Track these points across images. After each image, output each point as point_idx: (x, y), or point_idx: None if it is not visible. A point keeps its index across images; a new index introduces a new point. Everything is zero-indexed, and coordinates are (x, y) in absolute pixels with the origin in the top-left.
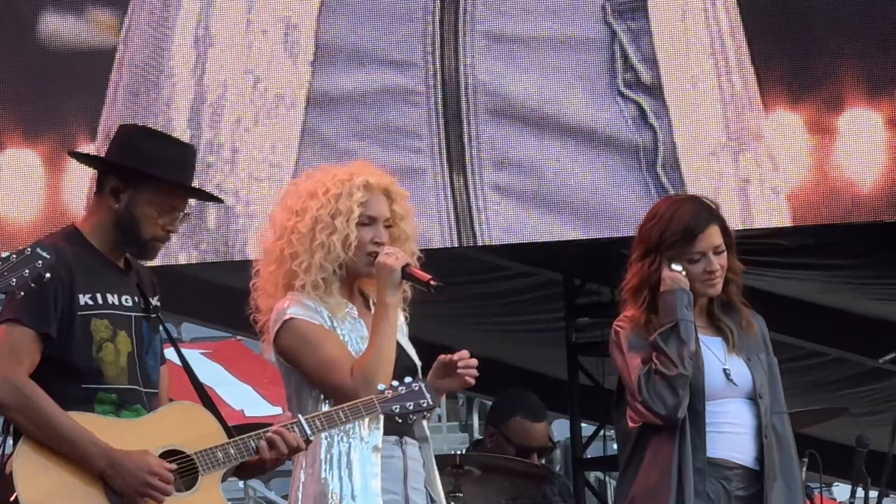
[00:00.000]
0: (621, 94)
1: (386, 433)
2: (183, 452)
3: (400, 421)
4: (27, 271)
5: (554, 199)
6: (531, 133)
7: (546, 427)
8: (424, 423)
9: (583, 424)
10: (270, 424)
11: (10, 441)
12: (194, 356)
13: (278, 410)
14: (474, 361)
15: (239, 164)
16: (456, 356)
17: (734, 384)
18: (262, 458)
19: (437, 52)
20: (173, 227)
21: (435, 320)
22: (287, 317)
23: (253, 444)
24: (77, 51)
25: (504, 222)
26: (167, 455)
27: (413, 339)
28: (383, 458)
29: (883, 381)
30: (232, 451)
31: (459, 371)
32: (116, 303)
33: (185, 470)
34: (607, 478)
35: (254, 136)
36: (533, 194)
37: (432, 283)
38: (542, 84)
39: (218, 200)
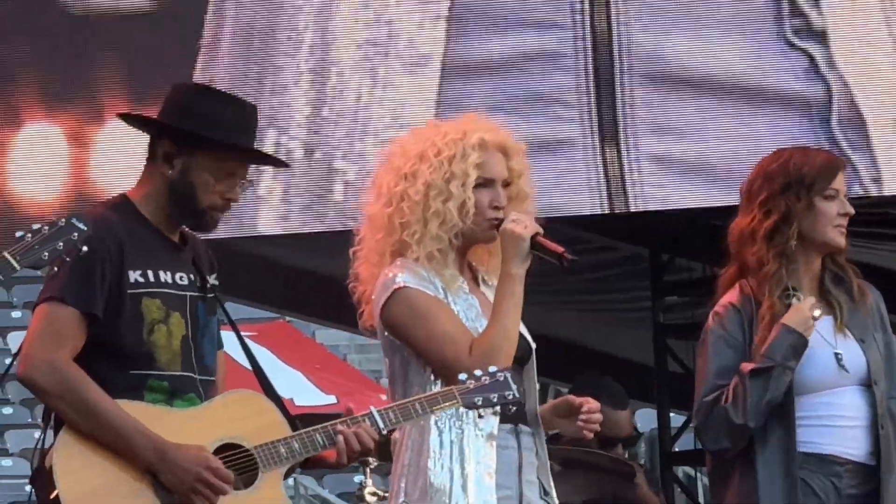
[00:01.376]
0: (789, 44)
1: (501, 422)
2: (241, 446)
3: (513, 409)
4: (61, 244)
5: (715, 165)
6: (690, 95)
7: (629, 415)
8: (538, 410)
9: (671, 415)
10: (325, 415)
11: (50, 432)
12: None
13: (331, 399)
14: (599, 417)
15: (368, 130)
16: (585, 406)
17: (846, 371)
18: (330, 454)
19: (587, 12)
20: (233, 196)
21: None
22: (398, 285)
23: (320, 439)
24: (106, 15)
25: (659, 190)
26: (224, 449)
27: None
28: (498, 448)
29: None
30: (296, 446)
31: (580, 420)
32: (170, 281)
33: (244, 466)
34: (698, 473)
35: (383, 103)
36: (692, 160)
37: (566, 255)
38: (700, 39)
39: (283, 164)
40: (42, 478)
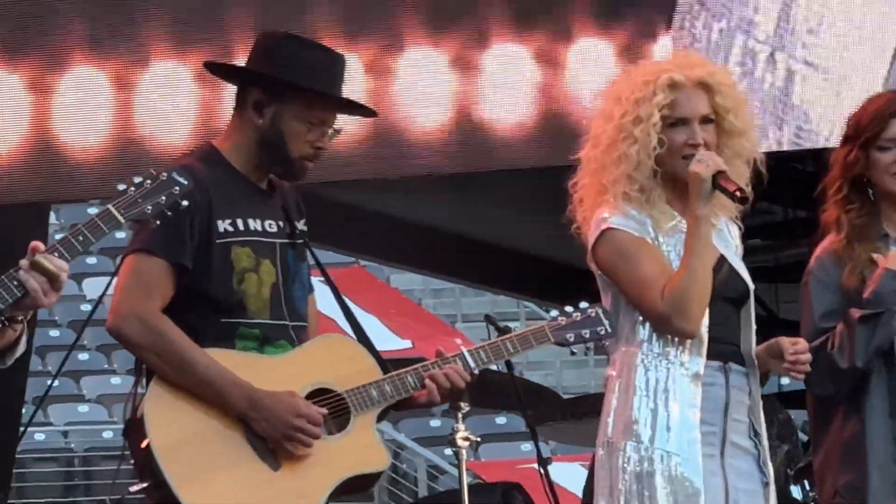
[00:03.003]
0: None
1: (709, 357)
2: (333, 391)
3: (727, 345)
4: (163, 198)
5: None
6: None
7: None
8: (754, 345)
9: None
10: (401, 360)
11: (143, 382)
12: (317, 285)
13: (407, 344)
14: (807, 357)
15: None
16: (791, 348)
17: None
18: (422, 394)
19: None
20: (323, 144)
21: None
22: (606, 226)
23: (412, 381)
24: None
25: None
26: (316, 394)
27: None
28: (704, 385)
29: None
30: (388, 389)
31: (787, 363)
32: (259, 229)
33: (337, 410)
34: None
35: None
36: None
37: (737, 193)
38: None
39: (372, 114)
40: (134, 428)
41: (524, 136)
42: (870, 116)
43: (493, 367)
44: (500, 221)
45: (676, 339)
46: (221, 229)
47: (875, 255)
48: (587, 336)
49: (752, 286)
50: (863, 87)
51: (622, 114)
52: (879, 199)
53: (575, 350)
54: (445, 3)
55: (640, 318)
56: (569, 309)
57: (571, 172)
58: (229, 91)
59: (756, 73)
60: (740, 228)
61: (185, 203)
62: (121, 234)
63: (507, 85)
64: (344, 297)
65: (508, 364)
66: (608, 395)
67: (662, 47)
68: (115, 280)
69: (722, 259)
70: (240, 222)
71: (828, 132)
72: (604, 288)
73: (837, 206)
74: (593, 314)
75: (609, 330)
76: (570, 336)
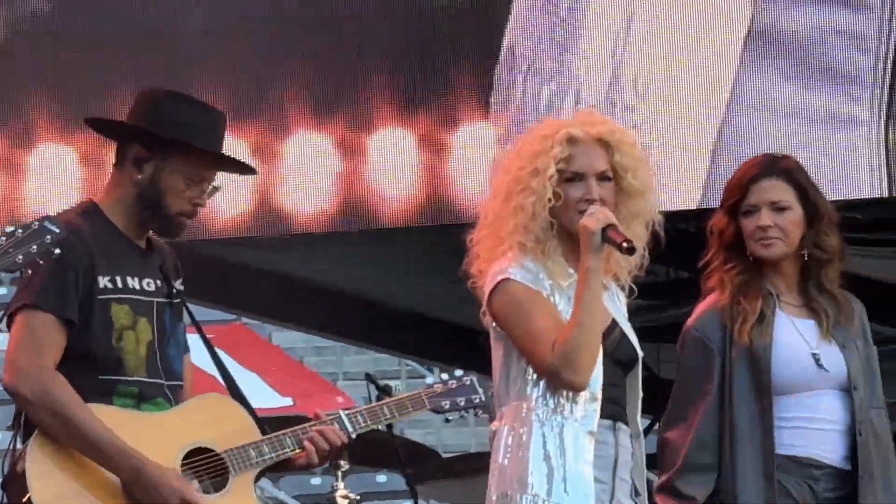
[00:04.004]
0: None
1: (601, 416)
2: (212, 450)
3: (617, 406)
4: (34, 247)
5: None
6: None
7: None
8: (639, 417)
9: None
10: (282, 418)
11: (21, 436)
12: (195, 342)
13: (288, 401)
14: None
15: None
16: None
17: (825, 370)
18: (300, 456)
19: None
20: (201, 201)
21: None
22: (503, 277)
23: (290, 442)
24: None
25: None
26: (195, 453)
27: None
28: (597, 443)
29: None
30: (266, 450)
31: None
32: (138, 287)
33: (215, 470)
34: None
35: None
36: None
37: (624, 244)
38: None
39: (251, 171)
40: (14, 482)
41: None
42: (735, 183)
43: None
44: (380, 280)
45: (571, 394)
46: (102, 285)
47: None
48: (462, 404)
49: (640, 353)
50: (697, 146)
51: (520, 167)
52: (758, 261)
53: (450, 417)
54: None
55: (531, 370)
56: (445, 376)
57: (450, 232)
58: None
59: None
60: (628, 294)
61: (57, 251)
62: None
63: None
64: (221, 355)
65: (388, 423)
66: (498, 449)
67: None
68: (5, 336)
69: (614, 322)
70: (119, 279)
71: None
72: (497, 340)
73: (719, 270)
74: (468, 382)
75: (483, 399)
76: (446, 403)
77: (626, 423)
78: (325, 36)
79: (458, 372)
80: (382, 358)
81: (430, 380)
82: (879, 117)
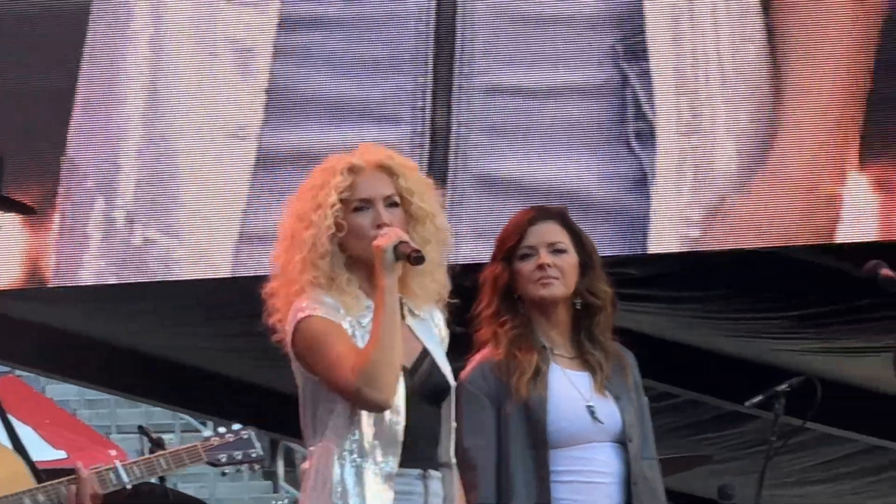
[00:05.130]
0: (629, 149)
1: (409, 465)
2: None
3: (428, 448)
4: None
5: None
6: (522, 201)
7: None
8: (452, 444)
9: None
10: (55, 470)
11: None
12: None
13: (61, 454)
14: None
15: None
16: None
17: (600, 423)
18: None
19: (428, 108)
20: None
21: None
22: (302, 315)
23: (65, 491)
24: None
25: None
26: None
27: None
28: (403, 493)
29: (742, 426)
30: (41, 499)
31: None
32: None
33: None
34: None
35: (200, 169)
36: None
37: (413, 255)
38: (534, 148)
39: (31, 211)
40: None
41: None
42: (510, 229)
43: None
44: (154, 332)
45: (372, 436)
46: None
47: None
48: (239, 458)
49: (452, 383)
50: None
51: (301, 205)
52: (530, 312)
53: (226, 471)
54: None
55: (340, 410)
56: (222, 430)
57: (226, 285)
58: None
59: None
60: (446, 320)
61: None
62: None
63: None
64: None
65: (161, 477)
66: (305, 490)
67: None
68: None
69: (424, 354)
70: None
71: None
72: (303, 381)
73: (491, 323)
74: (246, 436)
75: (260, 453)
76: (223, 456)
77: (438, 468)
78: None
79: (237, 426)
80: (156, 411)
81: (206, 433)
82: None
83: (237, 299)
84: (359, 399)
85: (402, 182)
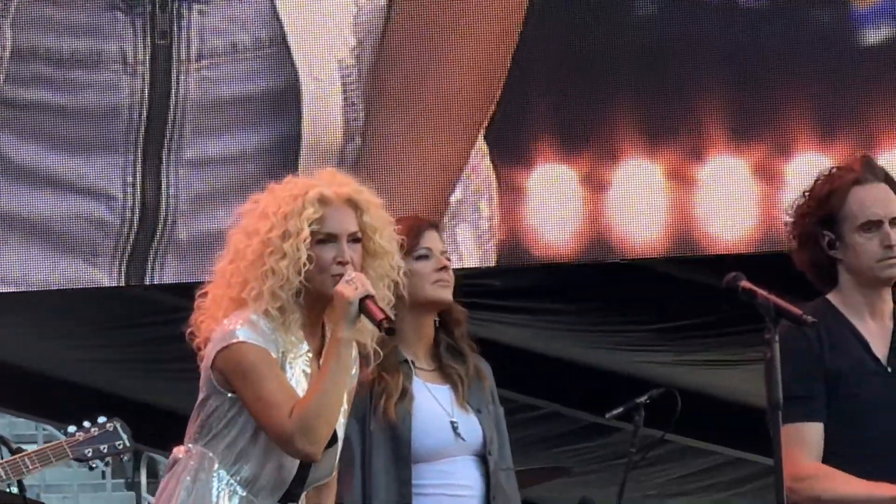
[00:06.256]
0: None
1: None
2: None
3: (296, 486)
4: None
5: None
6: None
7: None
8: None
9: None
10: None
11: None
12: None
13: None
14: None
15: None
16: None
17: (462, 440)
18: None
19: (139, 184)
20: None
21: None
22: (236, 339)
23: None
24: None
25: None
26: None
27: None
28: None
29: (602, 438)
30: None
31: None
32: None
33: None
34: None
35: None
36: None
37: (384, 324)
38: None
39: None
40: None
41: None
42: (404, 232)
43: (8, 490)
44: (17, 343)
45: (260, 472)
46: None
47: None
48: (105, 451)
49: (341, 435)
50: None
51: (269, 228)
52: (402, 321)
53: (94, 465)
54: None
55: (233, 436)
56: (87, 424)
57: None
58: None
59: None
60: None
61: None
62: None
63: None
64: None
65: (20, 486)
66: (176, 479)
67: None
68: None
69: None
70: None
71: None
72: (213, 393)
73: None
74: (111, 428)
75: (127, 444)
76: (89, 451)
77: (294, 502)
78: None
79: (102, 418)
80: (19, 422)
81: (72, 428)
82: None
83: (97, 309)
84: (289, 445)
85: (366, 218)
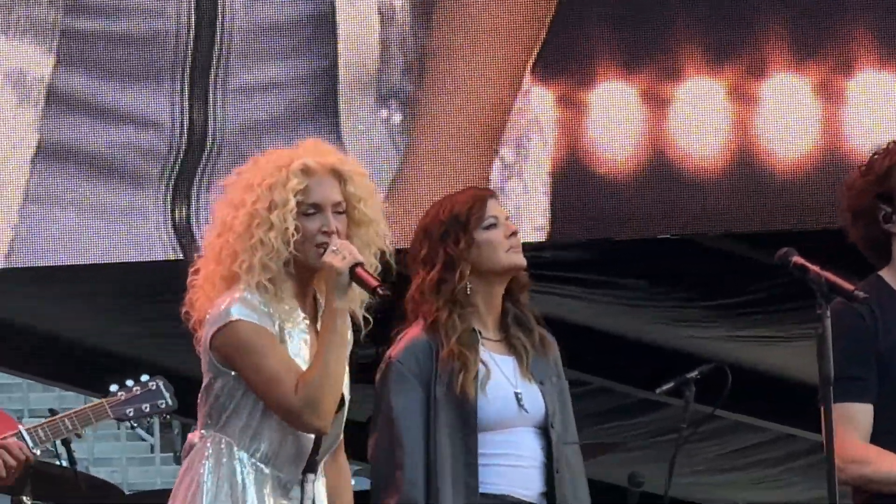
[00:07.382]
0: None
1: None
2: None
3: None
4: None
5: None
6: None
7: None
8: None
9: None
10: None
11: None
12: None
13: None
14: None
15: None
16: None
17: (526, 412)
18: None
19: (186, 110)
20: None
21: None
22: (232, 318)
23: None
24: None
25: None
26: None
27: None
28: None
29: (653, 413)
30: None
31: None
32: None
33: None
34: None
35: None
36: None
37: (379, 290)
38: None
39: None
40: None
41: None
42: (465, 203)
43: (59, 463)
44: (65, 316)
45: (278, 445)
46: None
47: None
48: (147, 410)
49: (347, 397)
50: None
51: (254, 200)
52: (478, 292)
53: (135, 424)
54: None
55: (246, 416)
56: (129, 383)
57: (129, 268)
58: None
59: None
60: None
61: None
62: None
63: None
64: None
65: (71, 459)
66: (194, 470)
67: None
68: None
69: None
70: None
71: None
72: (216, 373)
73: (424, 301)
74: (154, 387)
75: (170, 403)
76: (130, 410)
77: (315, 471)
78: None
79: (145, 377)
80: (68, 395)
81: (113, 387)
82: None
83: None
84: (297, 421)
85: (350, 188)
